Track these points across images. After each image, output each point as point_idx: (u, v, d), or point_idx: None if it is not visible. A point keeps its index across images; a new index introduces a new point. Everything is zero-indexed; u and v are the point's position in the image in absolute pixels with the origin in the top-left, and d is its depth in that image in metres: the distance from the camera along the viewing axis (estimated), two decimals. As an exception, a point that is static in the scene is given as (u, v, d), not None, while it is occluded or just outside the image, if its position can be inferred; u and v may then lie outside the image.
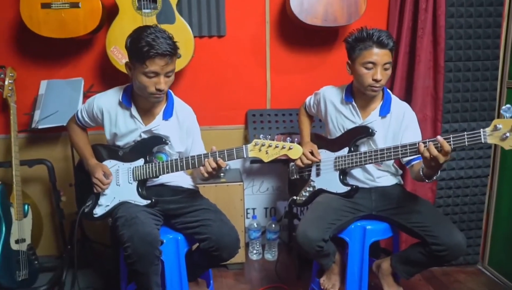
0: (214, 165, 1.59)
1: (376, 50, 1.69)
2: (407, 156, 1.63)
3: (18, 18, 2.26)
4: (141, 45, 1.54)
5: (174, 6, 2.26)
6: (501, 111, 1.32)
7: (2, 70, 2.33)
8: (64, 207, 2.47)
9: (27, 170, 2.42)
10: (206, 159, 1.61)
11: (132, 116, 1.76)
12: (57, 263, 2.46)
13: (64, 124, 2.31)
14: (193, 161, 1.67)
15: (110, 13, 2.30)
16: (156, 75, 1.59)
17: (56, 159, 2.55)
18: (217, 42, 2.58)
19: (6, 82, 2.29)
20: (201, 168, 1.62)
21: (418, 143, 1.53)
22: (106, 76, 2.54)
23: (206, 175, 1.62)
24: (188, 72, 2.57)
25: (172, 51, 1.59)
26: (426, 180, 1.66)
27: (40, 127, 2.33)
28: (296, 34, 2.60)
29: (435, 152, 1.46)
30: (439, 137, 1.47)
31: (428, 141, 1.50)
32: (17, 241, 2.16)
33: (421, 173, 1.64)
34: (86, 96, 2.46)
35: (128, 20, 2.21)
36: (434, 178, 1.63)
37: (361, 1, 2.32)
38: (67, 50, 2.49)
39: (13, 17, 2.43)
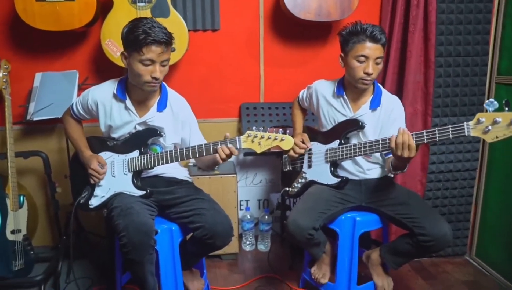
0: (228, 151, 1.64)
1: (369, 44, 1.73)
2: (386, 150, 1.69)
3: (12, 10, 2.27)
4: (138, 33, 1.59)
5: (168, 0, 2.28)
6: (484, 105, 1.37)
7: (-4, 63, 2.34)
8: (59, 198, 2.49)
9: (23, 161, 2.44)
10: (219, 146, 1.64)
11: (126, 108, 1.79)
12: (52, 254, 2.48)
13: (59, 116, 2.32)
14: (187, 153, 1.70)
15: (104, 6, 2.31)
16: (152, 63, 1.63)
17: (51, 151, 2.57)
18: (211, 36, 2.60)
19: (1, 74, 2.29)
20: (216, 155, 1.66)
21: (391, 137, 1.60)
22: (101, 69, 2.55)
23: (220, 161, 1.67)
24: (182, 66, 2.59)
25: (168, 39, 1.64)
26: (393, 172, 1.76)
27: (35, 119, 2.35)
28: (289, 29, 2.62)
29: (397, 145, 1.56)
30: (400, 129, 1.57)
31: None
32: (12, 232, 2.18)
33: (390, 164, 1.73)
34: (81, 89, 2.47)
35: (123, 13, 2.23)
36: (399, 171, 1.72)
37: (354, -3, 2.35)
38: (62, 43, 2.50)
39: (7, 10, 2.43)
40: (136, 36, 1.59)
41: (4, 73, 2.30)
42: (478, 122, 1.39)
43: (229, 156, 1.64)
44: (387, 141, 1.64)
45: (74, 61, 2.54)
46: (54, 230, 2.70)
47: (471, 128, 1.41)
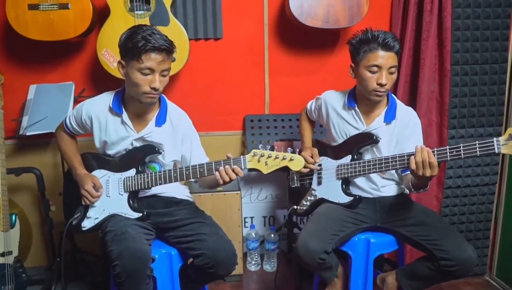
0: (233, 175, 1.50)
1: (381, 52, 1.61)
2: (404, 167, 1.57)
3: (4, 19, 2.16)
4: (137, 39, 1.49)
5: (168, 8, 2.17)
6: None
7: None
8: (54, 217, 2.36)
9: (15, 178, 2.32)
10: (223, 167, 1.51)
11: (123, 122, 1.66)
12: (46, 275, 2.36)
13: (53, 131, 2.22)
14: (187, 172, 1.57)
15: (101, 15, 2.20)
16: (151, 72, 1.52)
17: (45, 167, 2.45)
18: (213, 44, 2.48)
19: None
20: (217, 175, 1.52)
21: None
22: (98, 80, 2.44)
23: (221, 182, 1.53)
24: (183, 76, 2.47)
25: (169, 47, 1.54)
26: (414, 191, 1.64)
27: (28, 134, 2.24)
28: (295, 36, 2.50)
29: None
30: (418, 147, 1.46)
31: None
32: (2, 254, 2.05)
33: (410, 183, 1.63)
34: (77, 101, 2.36)
35: (120, 22, 2.12)
36: (421, 190, 1.61)
37: (363, 2, 2.23)
38: (57, 53, 2.39)
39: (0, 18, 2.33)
40: (135, 43, 1.48)
41: None
42: (510, 137, 1.25)
43: (232, 179, 1.50)
44: (405, 158, 1.51)
45: (69, 73, 2.43)
46: (48, 249, 2.57)
47: (501, 145, 1.28)
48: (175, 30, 2.17)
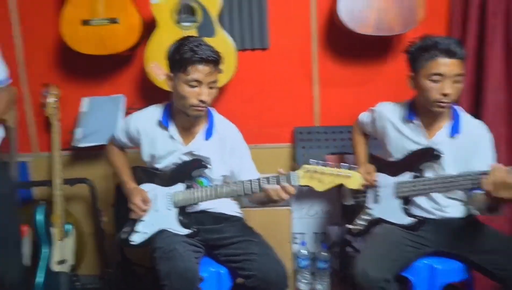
0: (284, 195, 1.44)
1: (443, 60, 1.49)
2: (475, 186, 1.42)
3: (59, 36, 2.23)
4: (184, 51, 1.47)
5: (214, 19, 2.14)
6: None
7: (46, 88, 2.32)
8: (106, 228, 2.40)
9: (70, 188, 2.38)
10: (274, 187, 1.44)
11: (171, 136, 1.64)
12: (99, 284, 2.40)
13: (104, 143, 2.25)
14: (237, 189, 1.52)
15: (149, 28, 2.21)
16: (198, 84, 1.49)
17: (98, 178, 2.49)
18: (260, 55, 2.43)
19: (50, 100, 2.27)
20: (270, 191, 1.45)
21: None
22: (147, 93, 2.46)
23: (273, 201, 1.48)
24: (230, 88, 2.44)
25: (216, 58, 1.51)
26: (487, 214, 1.51)
27: (81, 145, 2.29)
28: (345, 45, 2.39)
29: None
30: (494, 165, 1.34)
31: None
32: (59, 262, 2.11)
33: (480, 205, 1.49)
34: (127, 113, 2.39)
35: (167, 34, 2.11)
36: (495, 213, 1.46)
37: (418, 7, 2.09)
38: (108, 67, 2.43)
39: (54, 35, 2.41)
40: (182, 55, 1.47)
41: (55, 99, 2.28)
42: None
43: (284, 199, 1.43)
44: (477, 177, 1.36)
45: (120, 85, 2.46)
46: (101, 259, 2.61)
47: None
48: (222, 41, 2.14)
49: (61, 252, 2.17)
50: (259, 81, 2.45)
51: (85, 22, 2.10)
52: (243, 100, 2.46)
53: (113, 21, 2.10)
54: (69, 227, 2.28)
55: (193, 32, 2.11)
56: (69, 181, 2.36)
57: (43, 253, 2.10)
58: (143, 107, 2.37)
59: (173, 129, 1.63)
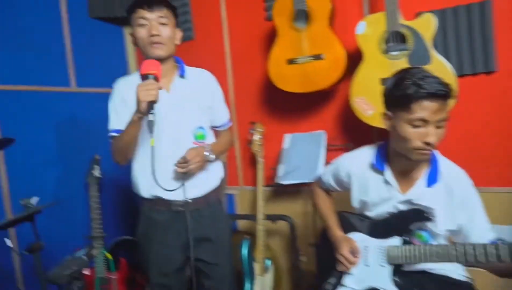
0: None
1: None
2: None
3: (265, 76, 2.33)
4: (406, 86, 1.27)
5: (429, 44, 1.87)
6: None
7: (252, 126, 2.44)
8: (304, 267, 2.33)
9: (270, 223, 2.42)
10: None
11: (386, 182, 1.44)
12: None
13: (305, 181, 2.21)
14: (471, 252, 1.20)
15: (353, 61, 2.10)
16: (424, 124, 1.28)
17: (297, 214, 2.47)
18: (484, 80, 2.02)
19: (256, 138, 2.38)
20: None
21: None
22: (348, 129, 2.33)
23: None
24: (449, 122, 2.08)
25: (446, 92, 1.26)
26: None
27: (283, 183, 2.30)
28: None
29: None
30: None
31: None
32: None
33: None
34: (328, 150, 2.31)
35: (374, 66, 1.95)
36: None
37: None
38: (310, 103, 2.42)
39: (261, 76, 2.54)
40: (404, 90, 1.27)
41: (259, 136, 2.39)
42: None
43: None
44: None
45: (321, 121, 2.41)
46: (296, 297, 2.55)
47: None
48: (439, 68, 1.85)
49: (261, 288, 2.18)
50: (483, 111, 2.03)
51: (291, 61, 2.13)
52: (462, 135, 2.08)
53: (318, 57, 2.06)
54: (268, 262, 2.30)
55: (403, 62, 1.89)
56: (271, 217, 2.40)
57: (246, 288, 2.15)
58: (343, 143, 2.31)
59: (388, 173, 1.43)
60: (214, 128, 1.80)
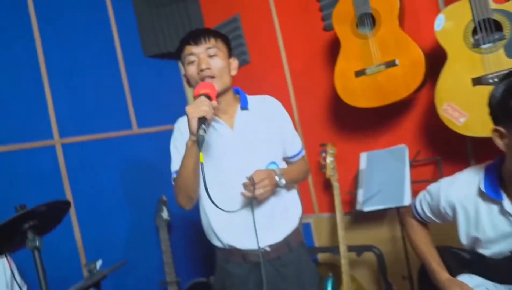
0: None
1: None
2: None
3: (331, 92, 2.09)
4: None
5: (531, 29, 1.52)
6: None
7: (323, 148, 2.21)
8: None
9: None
10: None
11: (504, 212, 1.13)
12: None
13: (391, 206, 1.92)
14: None
15: (433, 63, 1.79)
16: None
17: (382, 242, 2.18)
18: None
19: (328, 161, 2.16)
20: None
21: None
22: (437, 141, 2.00)
23: None
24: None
25: None
26: None
27: (365, 210, 2.02)
28: None
29: None
30: None
31: None
32: None
33: None
34: (413, 166, 2.00)
35: (462, 65, 1.63)
36: None
37: None
38: (385, 116, 2.13)
39: (326, 92, 2.31)
40: None
41: (331, 159, 2.17)
42: None
43: None
44: None
45: (400, 135, 2.11)
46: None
47: None
48: (548, 57, 1.49)
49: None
50: None
51: (359, 73, 1.88)
52: None
53: (391, 64, 1.79)
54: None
55: (500, 54, 1.56)
56: (355, 248, 2.14)
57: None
58: (429, 157, 1.98)
59: (508, 202, 1.11)
60: (286, 159, 1.58)
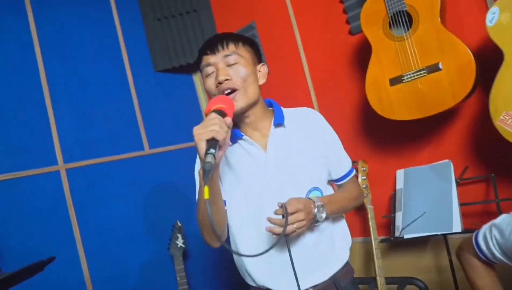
0: None
1: None
2: None
3: (361, 103, 1.85)
4: None
5: None
6: None
7: (354, 165, 1.96)
8: None
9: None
10: None
11: None
12: None
13: (437, 233, 1.66)
14: None
15: (483, 65, 1.53)
16: None
17: (425, 272, 1.91)
18: None
19: (360, 179, 1.93)
20: None
21: None
22: (488, 155, 1.73)
23: None
24: None
25: None
26: None
27: (406, 237, 1.76)
28: None
29: None
30: None
31: None
32: None
33: None
34: (460, 185, 1.73)
35: (522, 66, 1.37)
36: None
37: None
38: (425, 128, 1.86)
39: (355, 104, 2.06)
40: None
41: (363, 177, 1.95)
42: None
43: None
44: None
45: (443, 149, 1.84)
46: None
47: None
48: None
49: None
50: None
51: (395, 80, 1.62)
52: None
53: (433, 68, 1.53)
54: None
55: None
56: (394, 281, 1.87)
57: None
58: (483, 176, 1.71)
59: None
60: (334, 182, 1.33)
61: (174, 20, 2.56)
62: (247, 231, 1.19)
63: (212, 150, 0.94)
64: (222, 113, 1.02)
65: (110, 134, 2.28)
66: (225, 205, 1.20)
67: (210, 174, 0.92)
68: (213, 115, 1.00)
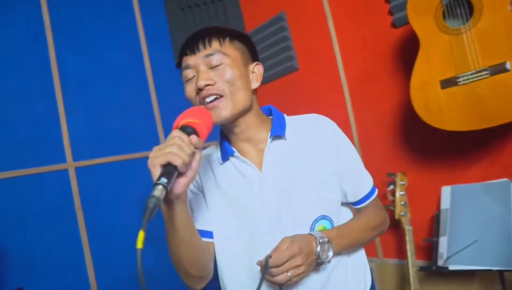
0: None
1: None
2: None
3: (404, 107, 1.59)
4: None
5: None
6: None
7: (391, 178, 1.72)
8: None
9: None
10: None
11: None
12: None
13: (492, 268, 1.38)
14: None
15: None
16: None
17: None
18: None
19: (398, 195, 1.68)
20: None
21: None
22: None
23: None
24: None
25: None
26: None
27: (451, 268, 1.49)
28: None
29: None
30: None
31: None
32: None
33: None
34: (521, 211, 1.44)
35: None
36: None
37: None
38: (479, 139, 1.58)
39: (395, 107, 1.80)
40: None
41: (401, 193, 1.71)
42: None
43: None
44: None
45: (501, 166, 1.55)
46: None
47: None
48: None
49: None
50: None
51: (448, 82, 1.35)
52: None
53: (498, 69, 1.24)
54: None
55: None
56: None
57: None
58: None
59: None
60: (351, 205, 1.07)
61: (198, 10, 2.37)
62: (238, 269, 0.97)
63: (163, 180, 0.70)
64: (190, 131, 0.79)
65: (124, 131, 2.13)
66: (211, 238, 0.99)
67: (153, 213, 0.67)
68: (175, 133, 0.77)
